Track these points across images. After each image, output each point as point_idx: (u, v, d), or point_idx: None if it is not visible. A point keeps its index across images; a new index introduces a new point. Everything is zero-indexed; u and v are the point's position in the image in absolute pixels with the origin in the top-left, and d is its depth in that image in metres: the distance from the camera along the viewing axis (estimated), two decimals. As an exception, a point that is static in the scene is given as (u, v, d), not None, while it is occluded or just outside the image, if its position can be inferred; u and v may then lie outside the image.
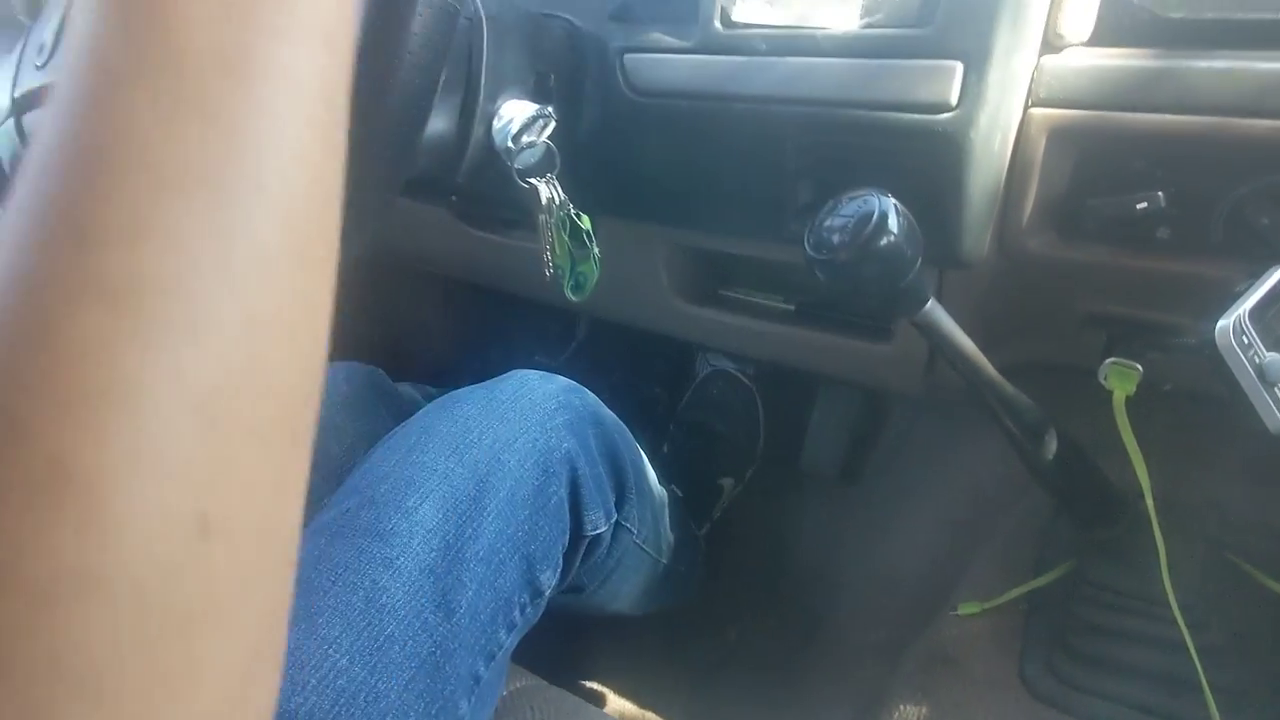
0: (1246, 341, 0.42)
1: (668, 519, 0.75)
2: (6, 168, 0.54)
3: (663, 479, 0.77)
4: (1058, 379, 0.63)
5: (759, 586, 0.99)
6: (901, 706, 0.73)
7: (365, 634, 0.44)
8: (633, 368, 1.12)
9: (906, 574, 0.91)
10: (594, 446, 0.60)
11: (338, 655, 0.43)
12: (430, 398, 0.84)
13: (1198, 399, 0.60)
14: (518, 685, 0.62)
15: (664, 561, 0.74)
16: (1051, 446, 0.57)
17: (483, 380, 0.60)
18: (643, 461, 0.69)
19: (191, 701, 0.17)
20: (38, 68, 0.51)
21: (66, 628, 0.15)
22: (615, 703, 0.93)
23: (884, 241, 0.42)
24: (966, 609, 0.77)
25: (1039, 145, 0.51)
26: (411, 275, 1.08)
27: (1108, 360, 0.56)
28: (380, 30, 0.38)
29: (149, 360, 0.16)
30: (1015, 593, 0.76)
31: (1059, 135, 0.51)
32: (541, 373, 0.61)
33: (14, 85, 0.53)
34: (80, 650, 0.15)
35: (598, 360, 1.15)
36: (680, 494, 0.86)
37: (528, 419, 0.55)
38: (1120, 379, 0.55)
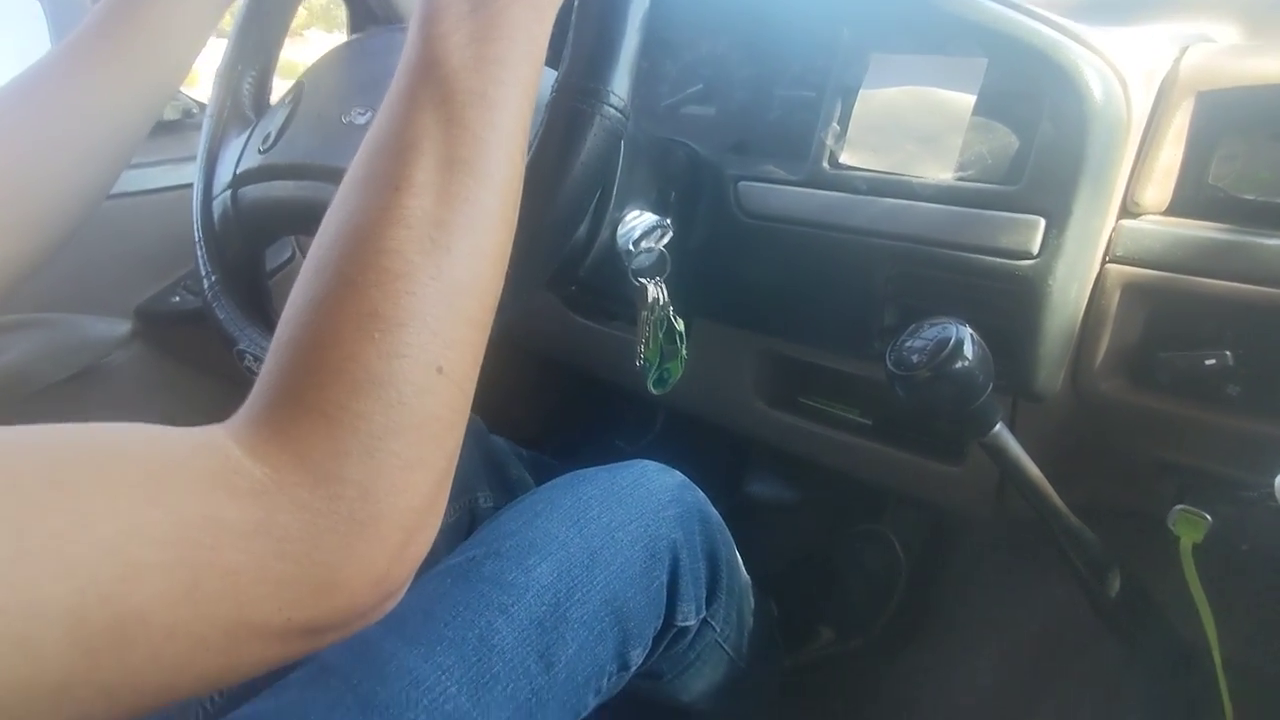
0: (1307, 500, 0.44)
1: (751, 622, 0.76)
2: (218, 229, 0.64)
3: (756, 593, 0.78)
4: (1128, 523, 0.64)
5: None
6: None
7: (475, 668, 0.48)
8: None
9: (971, 711, 0.89)
10: (697, 543, 0.64)
11: (449, 682, 0.47)
12: (521, 456, 0.90)
13: (1278, 564, 0.60)
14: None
15: (741, 664, 0.75)
16: (1115, 585, 0.59)
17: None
18: (736, 560, 0.72)
19: (426, 470, 0.29)
20: (260, 152, 0.62)
21: (364, 398, 0.28)
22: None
23: (958, 365, 0.47)
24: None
25: (1114, 298, 0.55)
26: (511, 349, 1.17)
27: (1176, 507, 0.57)
28: (559, 144, 0.45)
29: (420, 284, 0.30)
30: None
31: (1133, 290, 0.55)
32: (660, 465, 0.66)
33: (237, 164, 0.64)
34: (365, 415, 0.28)
35: (671, 453, 1.19)
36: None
37: (644, 506, 0.60)
38: (1188, 526, 0.57)
